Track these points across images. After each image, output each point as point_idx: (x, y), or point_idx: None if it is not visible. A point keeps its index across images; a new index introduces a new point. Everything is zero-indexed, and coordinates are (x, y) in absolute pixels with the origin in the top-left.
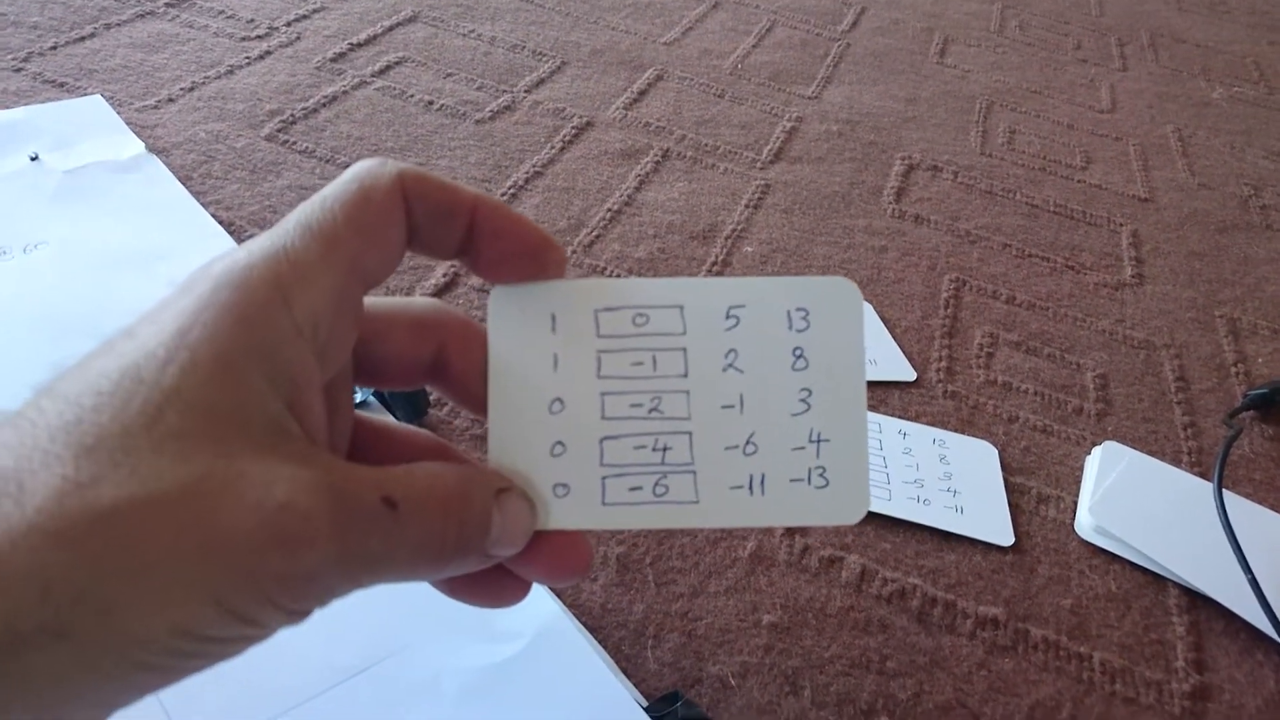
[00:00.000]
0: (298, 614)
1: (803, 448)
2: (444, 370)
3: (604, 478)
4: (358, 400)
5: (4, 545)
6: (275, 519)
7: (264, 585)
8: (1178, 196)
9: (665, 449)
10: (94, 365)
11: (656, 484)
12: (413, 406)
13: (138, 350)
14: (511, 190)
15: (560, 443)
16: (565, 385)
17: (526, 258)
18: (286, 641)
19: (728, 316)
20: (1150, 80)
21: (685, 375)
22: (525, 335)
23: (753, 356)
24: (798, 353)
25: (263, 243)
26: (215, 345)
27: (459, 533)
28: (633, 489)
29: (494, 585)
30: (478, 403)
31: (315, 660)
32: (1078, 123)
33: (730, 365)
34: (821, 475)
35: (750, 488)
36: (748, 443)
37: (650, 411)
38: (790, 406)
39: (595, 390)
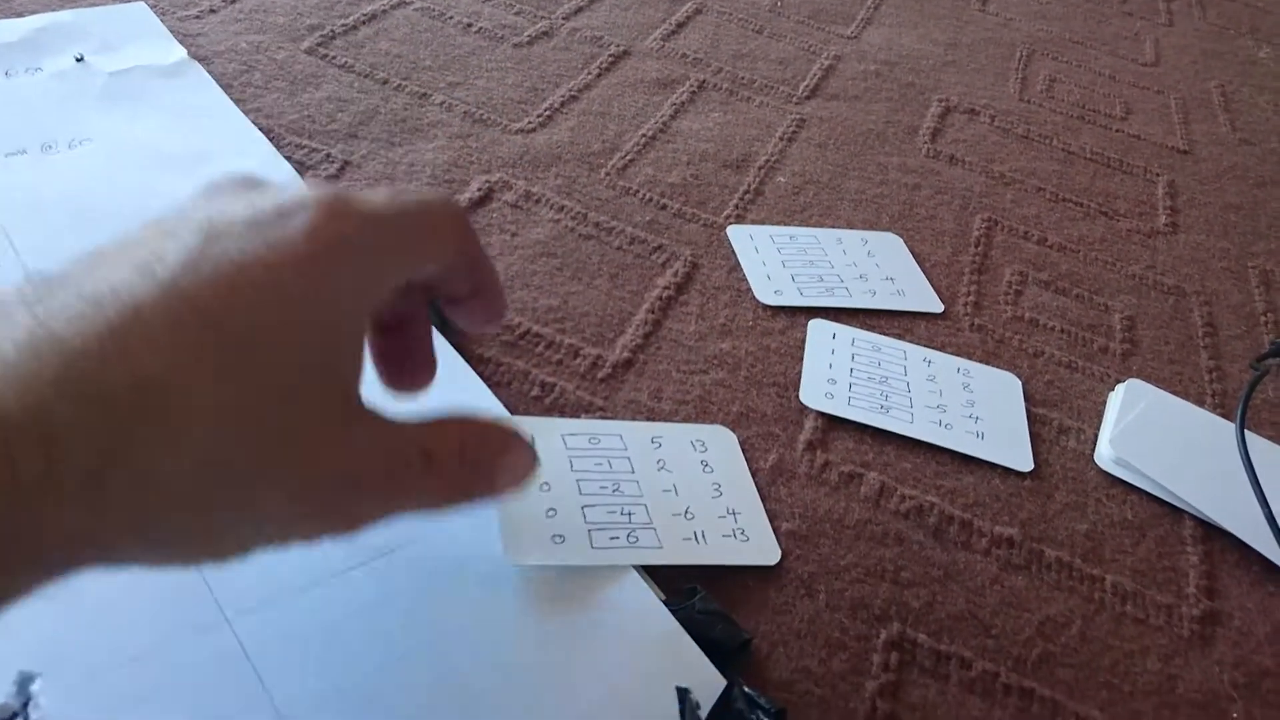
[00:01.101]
0: (346, 537)
1: (724, 517)
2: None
3: (589, 531)
4: None
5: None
6: (346, 468)
7: (330, 518)
8: (1217, 150)
9: (630, 514)
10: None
11: (629, 535)
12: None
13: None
14: (547, 113)
15: (553, 509)
16: (549, 475)
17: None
18: None
19: (653, 442)
20: (1196, 36)
21: (633, 472)
22: None
23: (676, 464)
24: (704, 464)
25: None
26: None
27: (478, 477)
28: (613, 538)
29: (408, 370)
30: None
31: (346, 542)
32: (1119, 74)
33: (662, 468)
34: (743, 534)
35: (696, 540)
36: (686, 512)
37: (614, 491)
38: (709, 492)
39: (572, 479)
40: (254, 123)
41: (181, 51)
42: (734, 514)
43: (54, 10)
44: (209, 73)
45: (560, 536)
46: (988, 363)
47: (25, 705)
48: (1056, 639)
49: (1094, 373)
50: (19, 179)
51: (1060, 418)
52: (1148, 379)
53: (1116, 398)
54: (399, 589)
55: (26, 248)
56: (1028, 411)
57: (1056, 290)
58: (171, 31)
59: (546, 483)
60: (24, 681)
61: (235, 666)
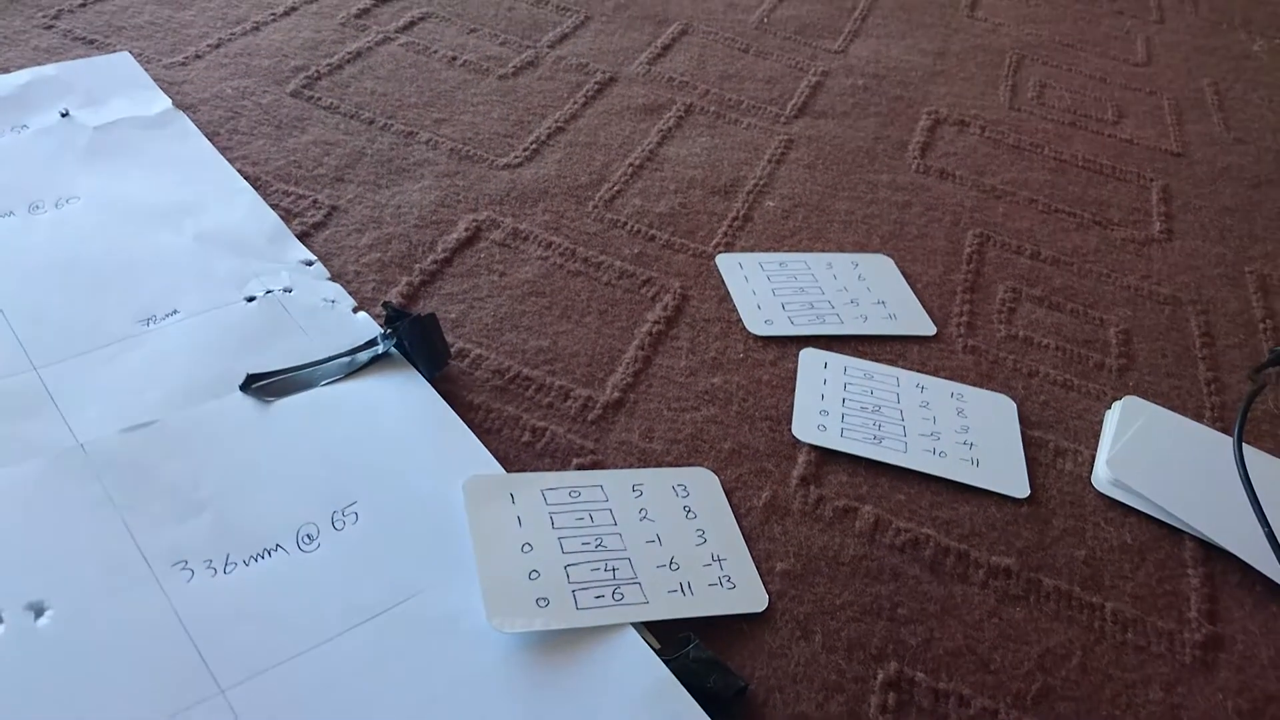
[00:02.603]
0: None
1: (710, 564)
2: None
3: (573, 590)
4: (379, 351)
5: None
6: None
7: None
8: (1211, 151)
9: (614, 569)
10: None
11: (614, 592)
12: (433, 359)
13: None
14: (534, 145)
15: (535, 570)
16: (530, 535)
17: None
18: (310, 584)
19: (634, 490)
20: (1188, 32)
21: (615, 524)
22: (493, 507)
23: (658, 512)
24: (686, 509)
25: None
26: None
27: None
28: (598, 596)
29: None
30: None
31: (337, 602)
32: (1111, 76)
33: (644, 517)
34: (729, 580)
35: (682, 591)
36: (671, 563)
37: (597, 547)
38: (693, 539)
39: (554, 537)
40: (240, 170)
41: (166, 101)
42: (719, 560)
43: (39, 64)
44: (194, 121)
45: (544, 600)
46: (982, 385)
47: None
48: (1056, 672)
49: (1090, 390)
50: (6, 241)
51: (1056, 439)
52: (1145, 394)
53: (1113, 416)
54: (390, 652)
55: (15, 312)
56: (1023, 434)
57: (1050, 306)
58: (156, 80)
59: (528, 543)
60: None
61: None
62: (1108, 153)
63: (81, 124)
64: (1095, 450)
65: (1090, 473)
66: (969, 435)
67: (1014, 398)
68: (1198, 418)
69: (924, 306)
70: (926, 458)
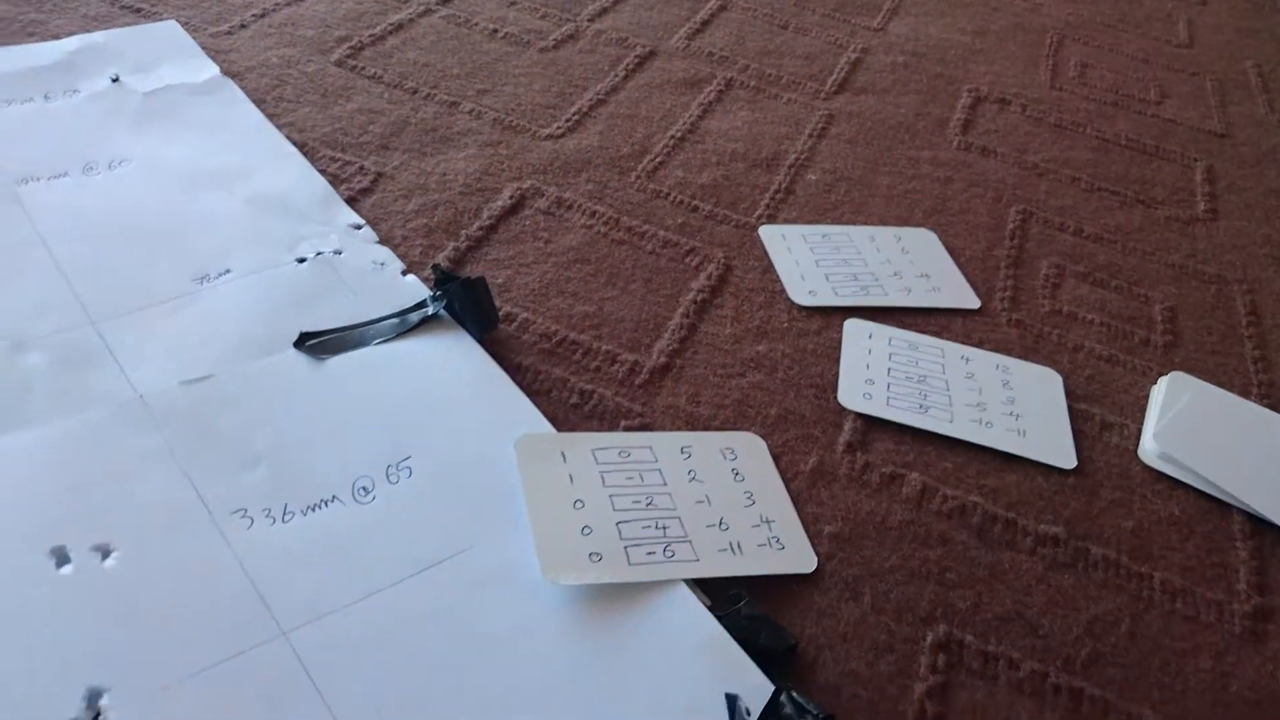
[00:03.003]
0: None
1: (758, 525)
2: None
3: (625, 547)
4: (429, 313)
5: None
6: None
7: None
8: (1256, 132)
9: (665, 527)
10: None
11: (665, 549)
12: (482, 321)
13: None
14: (575, 117)
15: (588, 526)
16: (582, 492)
17: None
18: (366, 535)
19: (682, 452)
20: (1230, 14)
21: (665, 484)
22: (545, 465)
23: (707, 474)
24: (735, 472)
25: None
26: None
27: None
28: (649, 553)
29: None
30: None
31: (394, 552)
32: (1153, 57)
33: (694, 478)
34: (778, 542)
35: (732, 550)
36: (721, 523)
37: (648, 505)
38: (742, 501)
39: (605, 494)
40: (288, 137)
41: (214, 68)
42: (768, 522)
43: (88, 32)
44: (241, 88)
45: (597, 554)
46: (1026, 358)
47: (95, 719)
48: (1106, 638)
49: (1136, 366)
50: (62, 201)
51: (1102, 413)
52: (1191, 371)
53: (1159, 391)
54: (446, 602)
55: (73, 269)
56: (1069, 407)
57: (1095, 282)
58: (203, 48)
59: (580, 500)
60: (93, 696)
61: (295, 680)
62: (1150, 132)
63: (131, 89)
64: (1142, 424)
65: (1137, 446)
66: (1015, 406)
67: (1059, 371)
68: (1244, 394)
69: (967, 280)
70: (973, 427)
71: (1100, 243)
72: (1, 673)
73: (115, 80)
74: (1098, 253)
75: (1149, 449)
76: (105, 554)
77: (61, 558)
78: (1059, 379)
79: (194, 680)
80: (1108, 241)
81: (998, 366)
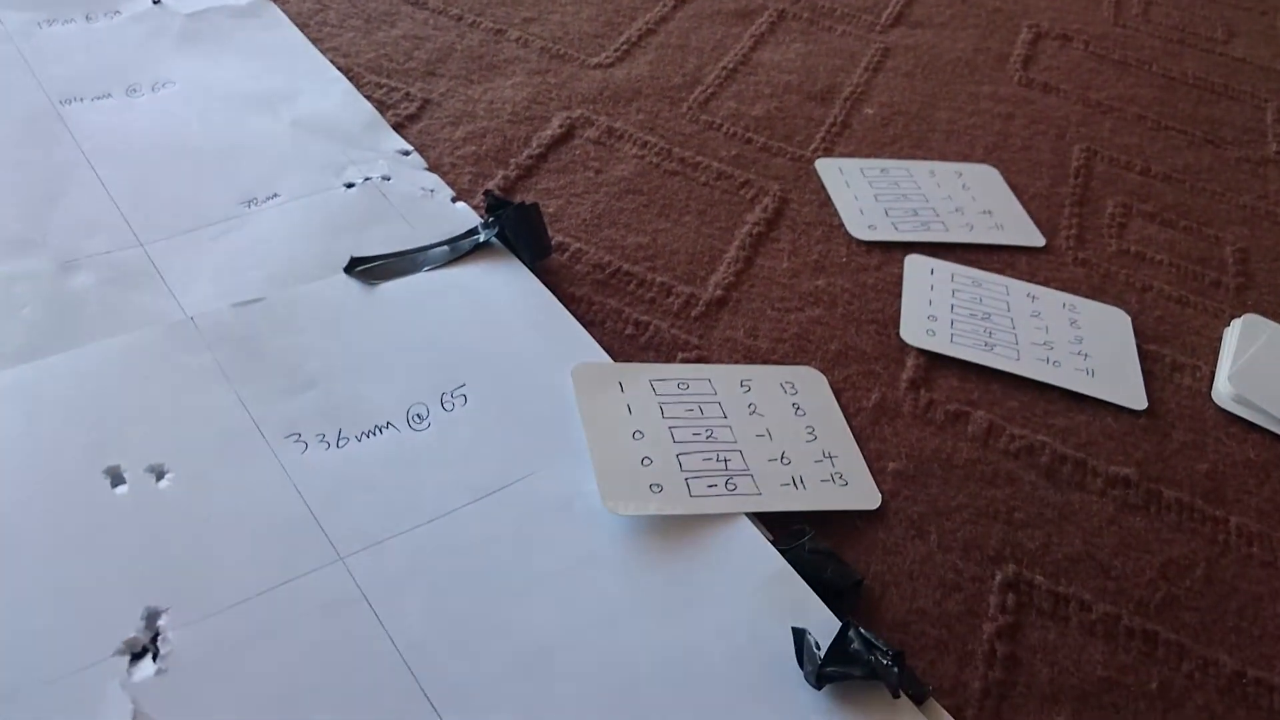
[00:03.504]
0: None
1: (821, 460)
2: None
3: (686, 479)
4: (481, 240)
5: None
6: None
7: None
8: None
9: (726, 460)
10: None
11: (726, 482)
12: (536, 249)
13: None
14: (625, 46)
15: (647, 457)
16: (641, 422)
17: None
18: (422, 462)
19: (741, 385)
20: None
21: (725, 417)
22: (603, 394)
23: (767, 408)
24: (795, 406)
25: None
26: None
27: None
28: (710, 485)
29: None
30: None
31: (450, 479)
32: None
33: (754, 412)
34: (841, 478)
35: (794, 485)
36: (783, 457)
37: (708, 438)
38: (804, 436)
39: (664, 425)
40: (332, 62)
41: None
42: (830, 458)
43: None
44: (284, 12)
45: (658, 485)
46: (1094, 298)
47: (154, 639)
48: (1180, 581)
49: (1207, 308)
50: (107, 122)
51: (1173, 354)
52: (1265, 313)
53: (1233, 333)
54: (505, 530)
55: (119, 192)
56: (1139, 348)
57: (1163, 222)
58: None
59: (639, 431)
60: (151, 616)
61: (354, 606)
62: (1218, 71)
63: (174, 10)
64: (1214, 366)
65: (1210, 388)
66: (1083, 346)
67: (1128, 311)
68: None
69: (1031, 218)
70: (1040, 366)
71: (1168, 182)
72: (62, 590)
73: (157, 2)
74: (1165, 192)
75: (1223, 391)
76: (160, 475)
77: (116, 477)
78: (1128, 319)
79: (251, 603)
80: (1176, 181)
81: (1064, 305)
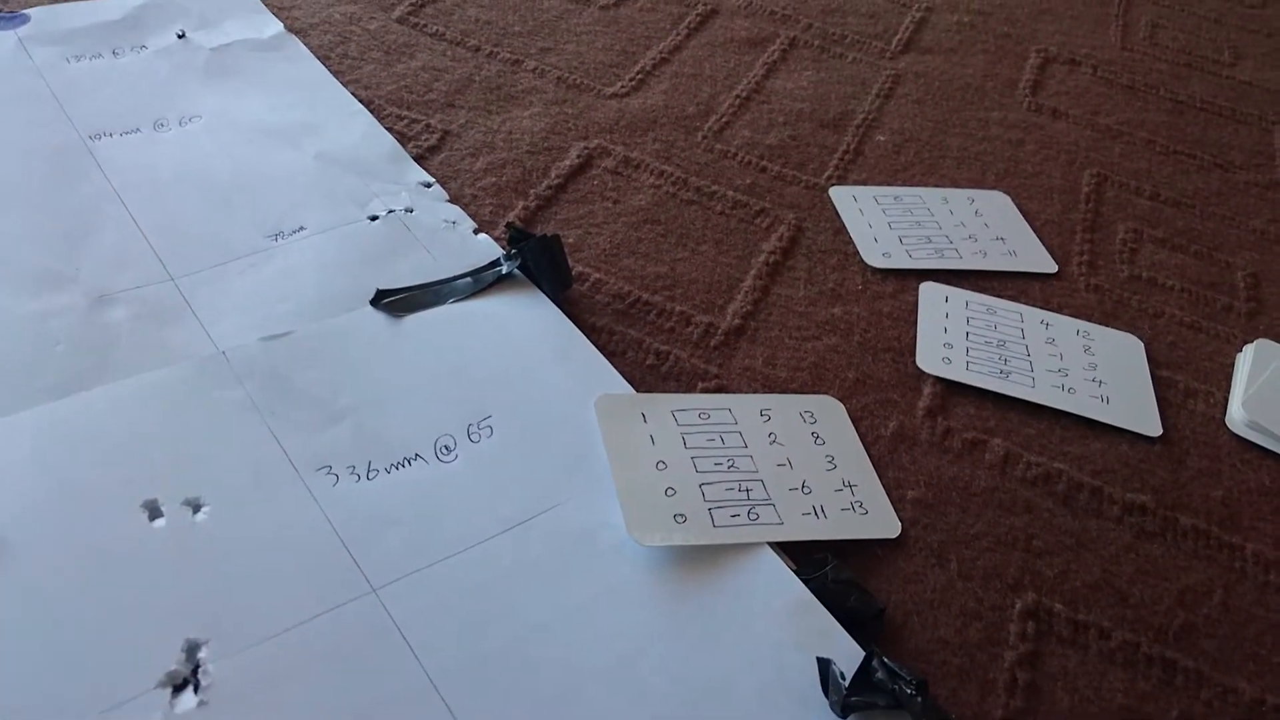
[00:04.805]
0: None
1: (841, 489)
2: None
3: (709, 509)
4: (503, 272)
5: None
6: None
7: None
8: None
9: (748, 490)
10: None
11: (749, 512)
12: (558, 280)
13: None
14: (639, 76)
15: (671, 487)
16: (664, 453)
17: None
18: (451, 493)
19: (761, 414)
20: None
21: (746, 447)
22: (626, 425)
23: (787, 437)
24: (815, 435)
25: None
26: None
27: None
28: (733, 515)
29: None
30: None
31: (478, 511)
32: (1225, 17)
33: (774, 441)
34: (861, 507)
35: (815, 514)
36: (803, 486)
37: (730, 468)
38: (823, 465)
39: (687, 456)
40: (353, 94)
41: (278, 25)
42: (850, 486)
43: None
44: (305, 45)
45: (682, 516)
46: (1106, 324)
47: (195, 671)
48: (1198, 609)
49: (1219, 333)
50: (135, 156)
51: (1186, 380)
52: (1276, 338)
53: (1245, 358)
54: (533, 561)
55: (149, 226)
56: (1152, 374)
57: (1174, 248)
58: (265, 5)
59: (662, 461)
60: (192, 649)
61: (387, 636)
62: (1225, 94)
63: (198, 45)
64: (1228, 392)
65: (1224, 414)
66: (1098, 373)
67: (1140, 337)
68: None
69: (1043, 244)
70: (1056, 393)
71: (1178, 207)
72: (104, 623)
73: (181, 36)
74: (1176, 217)
75: (1237, 417)
76: (196, 508)
77: (154, 511)
78: (1141, 345)
79: (290, 634)
80: (1186, 206)
81: (1078, 332)
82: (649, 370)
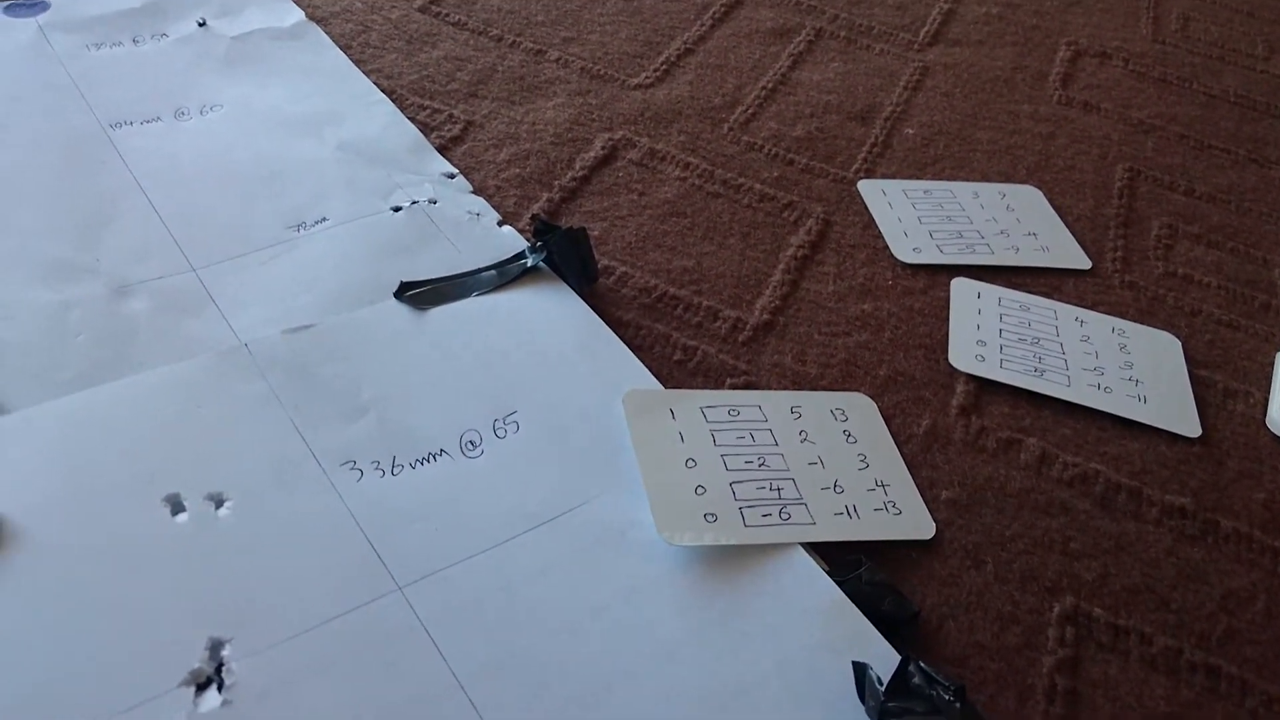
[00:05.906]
0: None
1: (874, 489)
2: None
3: (740, 508)
4: (529, 265)
5: None
6: None
7: None
8: None
9: (779, 489)
10: None
11: (780, 511)
12: (583, 273)
13: None
14: (664, 66)
15: (701, 486)
16: (693, 451)
17: None
18: (477, 489)
19: (792, 411)
20: None
21: (776, 444)
22: (654, 421)
23: (818, 435)
24: (846, 433)
25: None
26: None
27: None
28: (765, 515)
29: None
30: None
31: (505, 507)
32: (1257, 10)
33: (805, 439)
34: (894, 507)
35: (848, 514)
36: (835, 485)
37: (760, 466)
38: (855, 464)
39: (717, 454)
40: (375, 84)
41: (299, 13)
42: (883, 486)
43: None
44: (327, 34)
45: (712, 515)
46: (1142, 322)
47: (219, 670)
48: (1241, 614)
49: (1258, 331)
50: (156, 145)
51: (1225, 380)
52: None
53: None
54: (561, 559)
55: (170, 216)
56: (1190, 373)
57: (1210, 244)
58: None
59: (692, 459)
60: (215, 647)
61: (413, 635)
62: (1260, 88)
63: (219, 34)
64: (1268, 392)
65: (1264, 414)
66: (1134, 371)
67: (1177, 336)
68: None
69: (1077, 240)
70: (1092, 392)
71: (1213, 203)
72: (127, 620)
73: (202, 24)
74: (1211, 213)
75: (1277, 419)
76: (219, 503)
77: (176, 505)
78: (1178, 344)
79: (314, 633)
80: (1221, 201)
81: (1114, 330)
82: (676, 366)
